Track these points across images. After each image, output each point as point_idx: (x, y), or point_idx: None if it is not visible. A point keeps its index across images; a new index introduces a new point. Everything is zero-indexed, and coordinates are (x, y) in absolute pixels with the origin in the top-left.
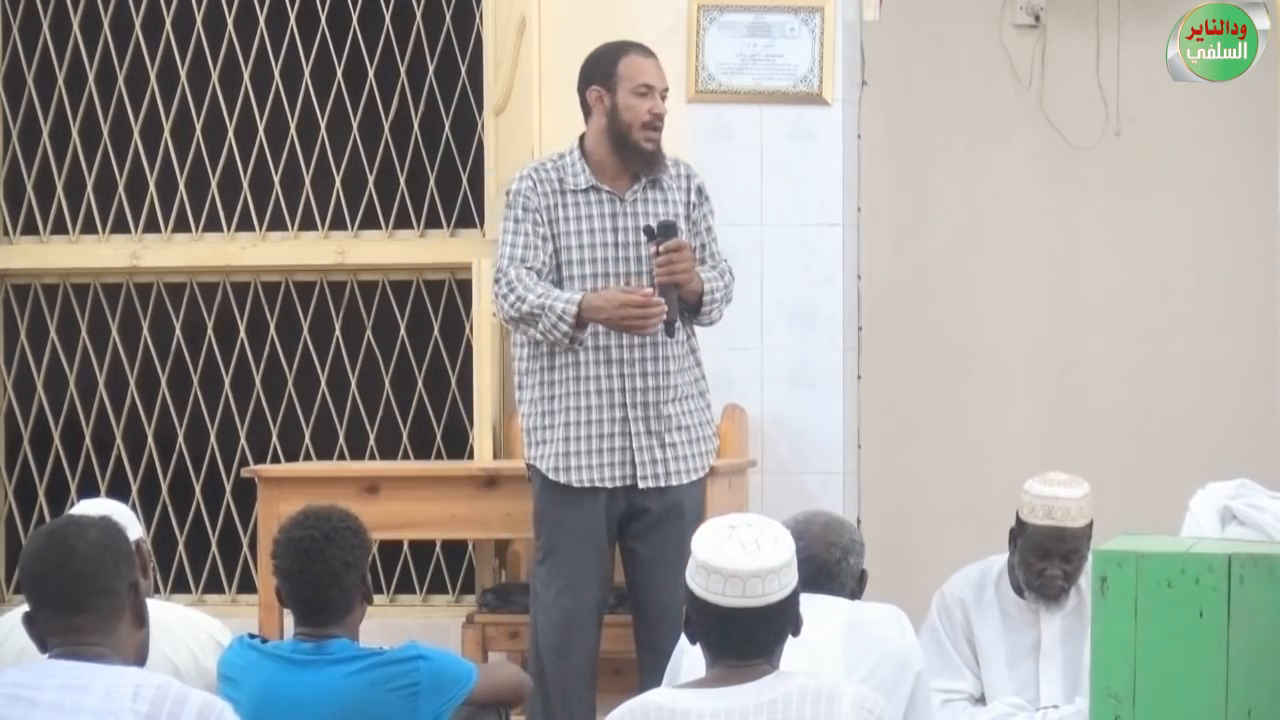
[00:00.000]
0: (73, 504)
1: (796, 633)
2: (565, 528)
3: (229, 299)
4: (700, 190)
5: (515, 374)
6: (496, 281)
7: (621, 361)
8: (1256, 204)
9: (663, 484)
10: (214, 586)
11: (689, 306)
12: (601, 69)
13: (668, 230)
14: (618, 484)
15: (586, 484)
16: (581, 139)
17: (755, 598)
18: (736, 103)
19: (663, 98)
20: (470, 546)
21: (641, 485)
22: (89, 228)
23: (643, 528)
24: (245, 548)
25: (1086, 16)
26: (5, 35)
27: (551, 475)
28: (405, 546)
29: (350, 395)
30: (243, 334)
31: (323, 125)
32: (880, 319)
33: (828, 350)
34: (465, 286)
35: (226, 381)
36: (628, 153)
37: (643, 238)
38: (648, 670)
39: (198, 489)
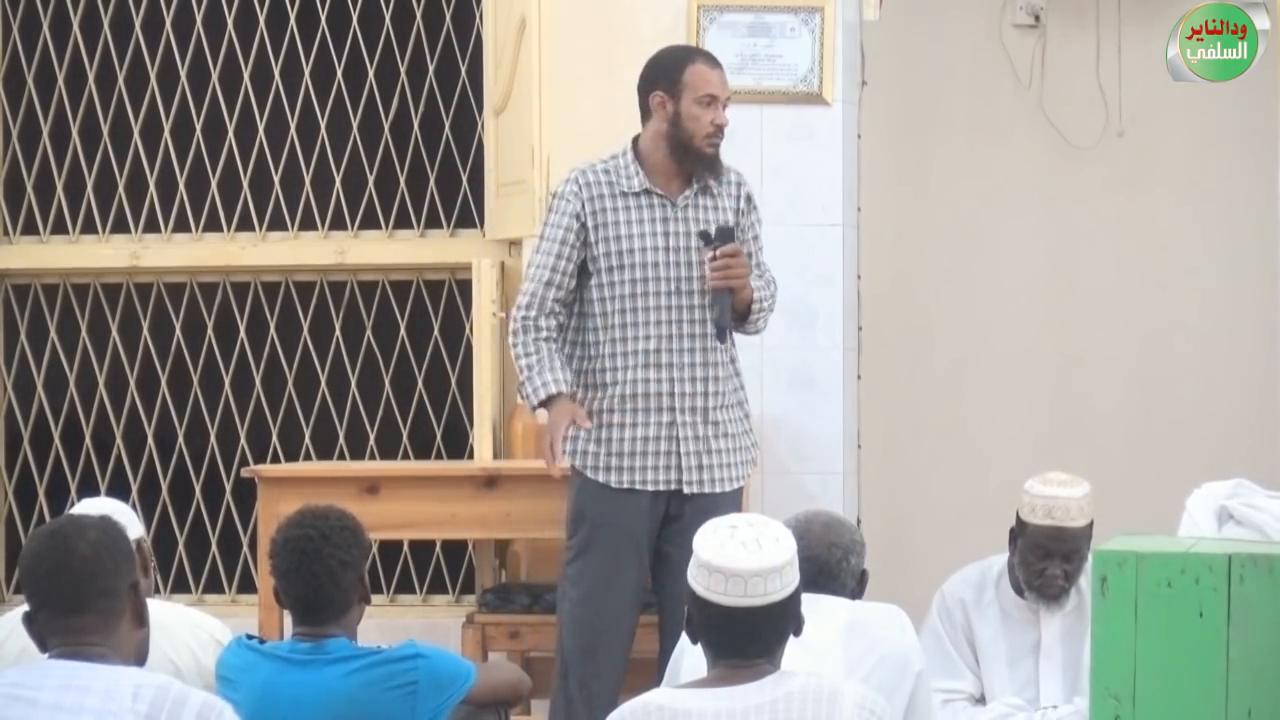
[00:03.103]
0: (73, 504)
1: (798, 632)
2: (606, 528)
3: (229, 299)
4: (749, 198)
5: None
6: (518, 308)
7: (671, 366)
8: (1256, 204)
9: (705, 490)
10: (214, 586)
11: (737, 315)
12: (666, 73)
13: (725, 235)
14: (663, 488)
15: (631, 486)
16: (635, 140)
17: (757, 597)
18: (736, 103)
19: (724, 106)
20: (470, 546)
21: (687, 490)
22: (89, 228)
23: (674, 531)
24: (245, 548)
25: (1086, 16)
26: (5, 35)
27: (593, 475)
28: (405, 546)
29: (350, 395)
30: (243, 334)
31: (323, 125)
32: (880, 319)
33: (828, 350)
34: (465, 286)
35: (226, 381)
36: (689, 160)
37: (698, 243)
38: None
39: (198, 489)
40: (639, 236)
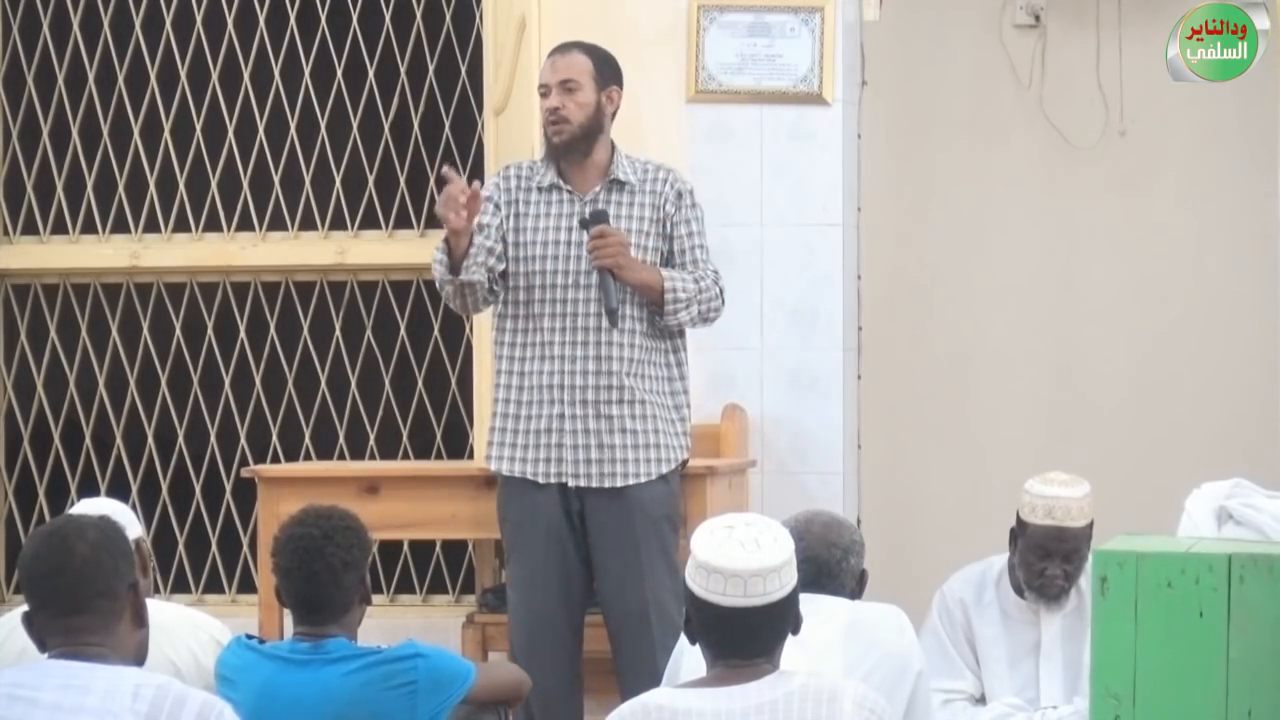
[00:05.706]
0: (73, 504)
1: (796, 632)
2: (522, 526)
3: (229, 299)
4: (682, 195)
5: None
6: None
7: (562, 358)
8: (1256, 204)
9: (594, 484)
10: (214, 586)
11: (652, 304)
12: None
13: (597, 218)
14: (549, 480)
15: (523, 475)
16: None
17: (756, 597)
18: (736, 103)
19: (569, 89)
20: (470, 546)
21: (571, 484)
22: (89, 228)
23: (595, 534)
24: (245, 548)
25: (1086, 16)
26: (5, 35)
27: (495, 465)
28: (405, 546)
29: (350, 395)
30: (243, 334)
31: (323, 125)
32: (880, 319)
33: (828, 350)
34: None
35: (226, 381)
36: (549, 148)
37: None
38: (621, 673)
39: (198, 489)
40: (541, 230)
